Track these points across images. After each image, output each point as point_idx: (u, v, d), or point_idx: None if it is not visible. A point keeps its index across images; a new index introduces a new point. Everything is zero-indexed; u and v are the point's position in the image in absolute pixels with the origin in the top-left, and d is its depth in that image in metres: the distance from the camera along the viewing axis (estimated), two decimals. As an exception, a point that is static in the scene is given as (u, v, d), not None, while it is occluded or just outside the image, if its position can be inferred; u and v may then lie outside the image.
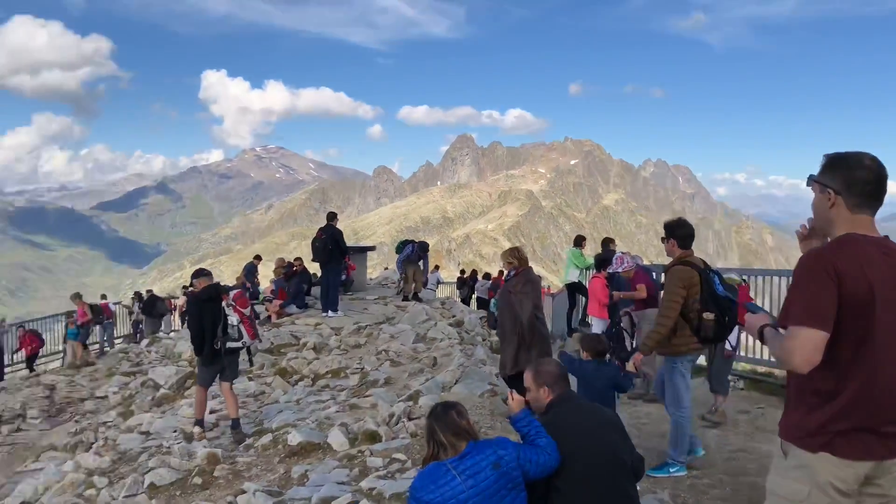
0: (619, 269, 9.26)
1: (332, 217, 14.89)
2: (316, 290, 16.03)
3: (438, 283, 28.78)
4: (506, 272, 7.70)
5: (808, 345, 2.35)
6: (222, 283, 9.66)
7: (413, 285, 16.55)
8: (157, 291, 27.38)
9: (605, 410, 4.18)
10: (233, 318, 7.96)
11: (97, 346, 21.42)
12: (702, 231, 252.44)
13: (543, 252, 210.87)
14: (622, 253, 9.77)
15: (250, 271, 19.78)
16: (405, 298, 16.38)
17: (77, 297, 19.66)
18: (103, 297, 23.81)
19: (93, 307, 19.67)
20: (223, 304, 8.03)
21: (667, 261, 5.90)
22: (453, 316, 15.37)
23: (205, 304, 8.01)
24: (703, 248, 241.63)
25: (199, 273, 8.38)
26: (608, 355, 5.95)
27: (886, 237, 2.52)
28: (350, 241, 16.86)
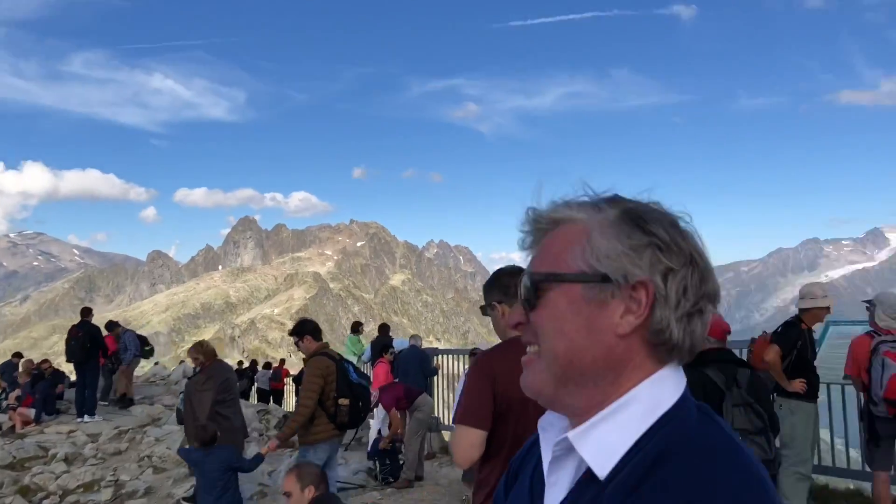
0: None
1: (86, 313, 13.76)
2: (71, 394, 14.54)
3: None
4: (194, 367, 7.56)
5: (463, 442, 2.50)
6: None
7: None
8: None
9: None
10: None
11: None
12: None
13: (333, 335, 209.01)
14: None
15: (6, 371, 17.53)
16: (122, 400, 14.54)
17: None
18: None
19: None
20: None
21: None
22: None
23: None
24: (487, 325, 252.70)
25: None
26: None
27: None
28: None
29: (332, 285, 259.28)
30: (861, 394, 5.69)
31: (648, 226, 0.94)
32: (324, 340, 6.11)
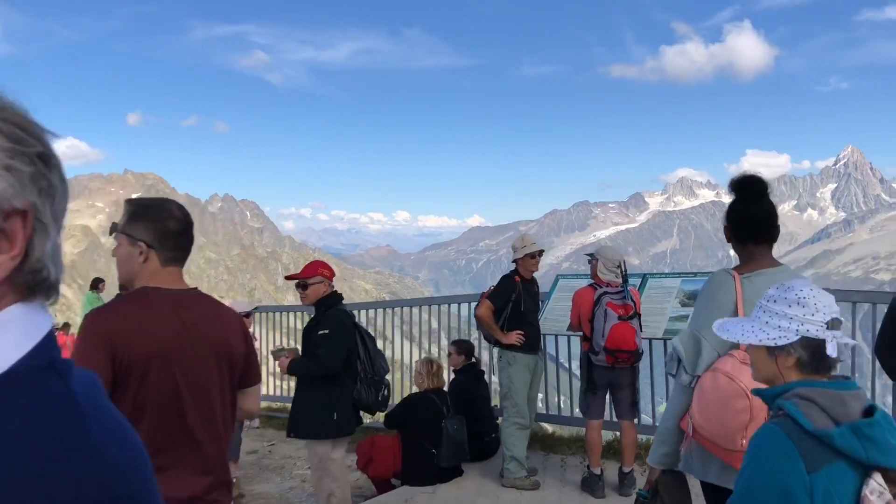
0: None
1: None
2: None
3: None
4: None
5: None
6: None
7: None
8: None
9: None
10: None
11: None
12: (271, 264, 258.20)
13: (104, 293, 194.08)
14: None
15: None
16: None
17: None
18: None
19: None
20: None
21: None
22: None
23: None
24: (274, 282, 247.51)
25: None
26: None
27: (195, 289, 2.26)
28: None
29: (103, 240, 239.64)
30: (582, 343, 5.80)
31: (32, 128, 0.66)
32: None
